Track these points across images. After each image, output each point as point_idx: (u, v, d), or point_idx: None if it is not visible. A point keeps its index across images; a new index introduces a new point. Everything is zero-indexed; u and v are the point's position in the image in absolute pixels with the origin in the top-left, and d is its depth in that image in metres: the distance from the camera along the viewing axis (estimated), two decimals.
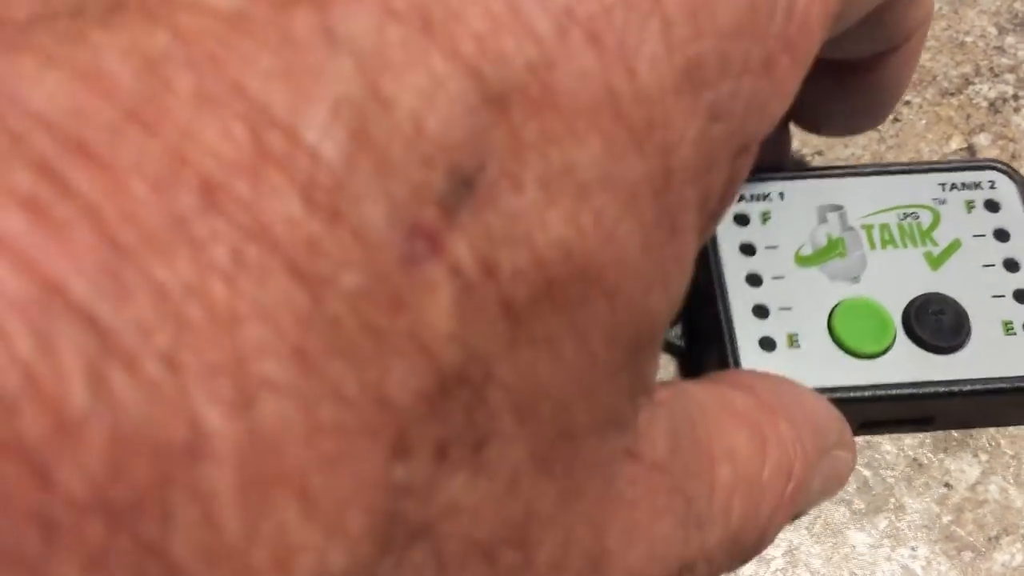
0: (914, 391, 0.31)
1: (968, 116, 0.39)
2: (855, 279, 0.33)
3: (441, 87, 0.14)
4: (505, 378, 0.16)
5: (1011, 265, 0.33)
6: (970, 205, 0.34)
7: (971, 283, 0.33)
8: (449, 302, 0.15)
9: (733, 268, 0.33)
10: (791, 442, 0.24)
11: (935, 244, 0.33)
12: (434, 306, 0.14)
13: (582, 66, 0.16)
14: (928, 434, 0.34)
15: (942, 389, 0.31)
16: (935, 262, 0.33)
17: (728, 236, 0.34)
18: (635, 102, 0.16)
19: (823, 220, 0.34)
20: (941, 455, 0.33)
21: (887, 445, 0.33)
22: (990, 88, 0.40)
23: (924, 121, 0.39)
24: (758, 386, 0.25)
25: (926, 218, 0.34)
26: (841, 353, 0.32)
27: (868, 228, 0.34)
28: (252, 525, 0.13)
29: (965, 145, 0.39)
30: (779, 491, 0.24)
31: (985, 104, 0.40)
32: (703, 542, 0.21)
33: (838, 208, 0.34)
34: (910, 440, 0.33)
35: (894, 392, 0.31)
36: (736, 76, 0.18)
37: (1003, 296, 0.33)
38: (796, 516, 0.28)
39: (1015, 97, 0.40)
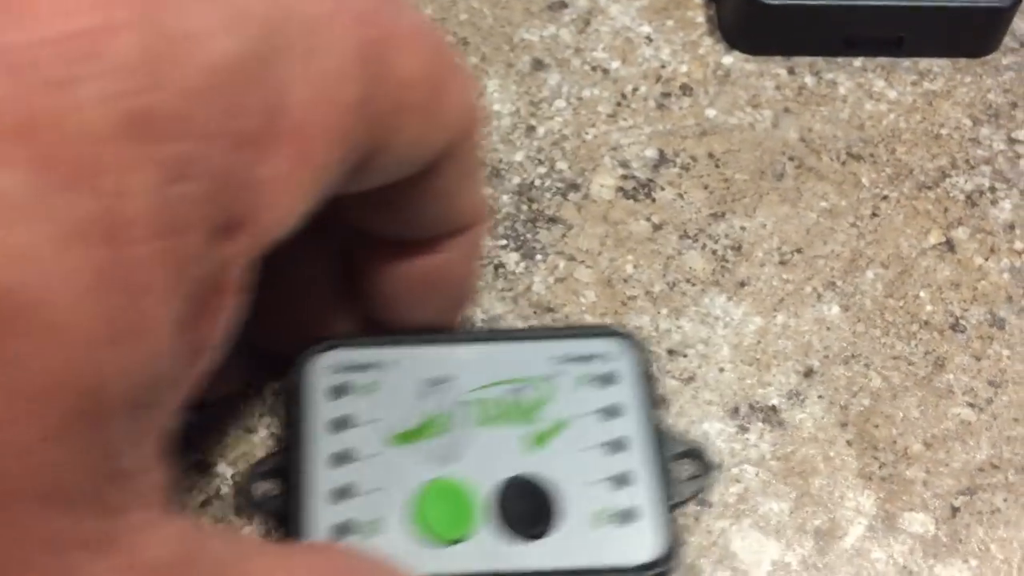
0: None
1: (946, 210, 0.39)
2: (452, 459, 0.31)
3: None
4: None
5: (616, 446, 0.31)
6: (583, 379, 0.32)
7: (569, 466, 0.31)
8: None
9: (318, 446, 0.31)
10: None
11: (540, 423, 0.31)
12: None
13: (3, 94, 0.16)
14: (917, 539, 0.33)
15: None
16: (536, 442, 0.31)
17: (322, 409, 0.31)
18: (68, 138, 0.16)
19: (428, 394, 0.32)
20: (931, 561, 0.33)
21: (877, 552, 0.33)
22: (967, 181, 0.40)
23: (902, 215, 0.39)
24: (334, 548, 0.24)
25: (535, 394, 0.32)
26: (422, 540, 0.30)
27: (474, 404, 0.32)
28: None
29: (944, 239, 0.39)
30: None
31: (962, 197, 0.40)
32: None
33: (445, 380, 0.32)
34: (899, 546, 0.33)
35: None
36: (203, 140, 0.18)
37: (601, 481, 0.31)
38: None
39: (992, 189, 0.40)
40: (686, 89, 0.42)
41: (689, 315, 0.37)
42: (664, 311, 0.37)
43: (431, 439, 0.31)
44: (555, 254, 0.38)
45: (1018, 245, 0.38)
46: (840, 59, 0.43)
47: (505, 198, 0.39)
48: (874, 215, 0.39)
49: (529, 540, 0.30)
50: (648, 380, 0.33)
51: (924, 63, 0.43)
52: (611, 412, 0.32)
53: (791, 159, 0.40)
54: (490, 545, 0.30)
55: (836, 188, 0.40)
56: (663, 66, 0.42)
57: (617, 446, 0.31)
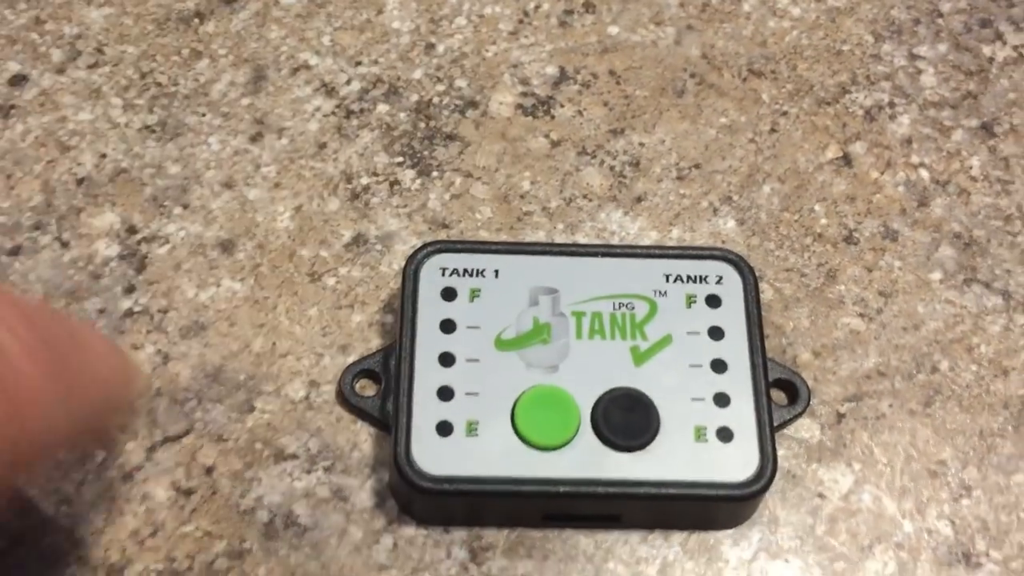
0: (588, 489, 0.30)
1: (844, 125, 0.39)
2: (553, 368, 0.31)
3: None
4: None
5: (718, 366, 0.32)
6: (691, 299, 0.33)
7: (672, 382, 0.32)
8: None
9: (428, 345, 0.32)
10: None
11: (644, 339, 0.32)
12: None
13: None
14: (802, 444, 0.33)
15: (614, 489, 0.30)
16: (640, 357, 0.32)
17: (430, 311, 0.32)
18: None
19: (534, 303, 0.32)
20: (815, 465, 0.33)
21: None
22: (866, 96, 0.40)
23: (800, 131, 0.39)
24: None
25: (641, 310, 0.33)
26: (521, 444, 0.30)
27: (579, 315, 0.32)
28: None
29: (841, 154, 0.39)
30: None
31: (861, 112, 0.40)
32: None
33: (552, 291, 0.33)
34: (784, 451, 0.33)
35: (568, 488, 0.30)
36: None
37: (703, 399, 0.31)
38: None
39: (891, 104, 0.40)
40: (589, 6, 0.41)
41: (585, 230, 0.37)
42: (560, 226, 0.37)
43: (534, 347, 0.32)
44: (452, 171, 0.37)
45: (914, 159, 0.39)
46: None
47: (402, 115, 0.38)
48: (773, 131, 0.39)
49: (629, 451, 0.31)
50: (755, 305, 0.33)
51: None
52: (717, 333, 0.32)
53: (692, 76, 0.40)
54: (589, 453, 0.31)
55: (736, 104, 0.40)
56: None
57: (721, 366, 0.32)
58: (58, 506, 0.31)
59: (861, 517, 0.32)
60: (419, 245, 0.33)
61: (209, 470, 0.32)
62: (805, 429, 0.34)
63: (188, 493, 0.32)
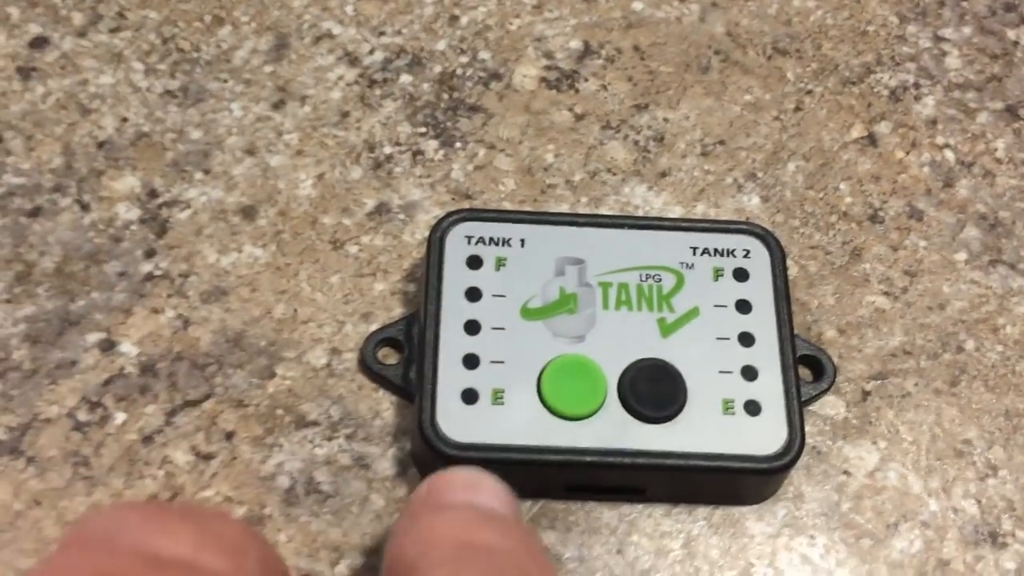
0: (614, 459, 0.30)
1: (869, 105, 0.39)
2: (580, 338, 0.31)
3: None
4: None
5: (746, 339, 0.32)
6: (718, 272, 0.33)
7: (699, 355, 0.31)
8: None
9: (453, 312, 0.31)
10: None
11: (671, 310, 0.32)
12: None
13: None
14: (827, 420, 0.33)
15: (640, 460, 0.30)
16: (667, 329, 0.32)
17: (455, 279, 0.32)
18: None
19: (560, 272, 0.32)
20: (840, 442, 0.33)
21: None
22: (891, 77, 0.40)
23: (825, 110, 0.39)
24: None
25: (668, 282, 0.32)
26: (546, 413, 0.30)
27: (605, 286, 0.32)
28: None
29: (866, 133, 0.38)
30: None
31: (886, 93, 0.39)
32: None
33: (579, 262, 0.32)
34: (809, 428, 0.33)
35: (593, 458, 0.30)
36: None
37: (730, 372, 0.31)
38: None
39: (916, 85, 0.40)
40: None
41: (609, 204, 0.36)
42: (584, 200, 0.36)
43: (560, 316, 0.32)
44: (475, 142, 0.37)
45: (939, 140, 0.38)
46: None
47: (425, 86, 0.38)
48: (798, 109, 0.39)
49: (656, 422, 0.30)
50: (783, 279, 0.33)
51: None
52: (744, 306, 0.32)
53: (717, 53, 0.40)
54: (615, 424, 0.30)
55: (761, 82, 0.39)
56: None
57: (748, 339, 0.32)
58: (76, 468, 0.31)
59: (887, 495, 0.32)
60: (443, 214, 0.33)
61: (229, 435, 0.32)
62: (830, 406, 0.33)
63: (208, 458, 0.31)
